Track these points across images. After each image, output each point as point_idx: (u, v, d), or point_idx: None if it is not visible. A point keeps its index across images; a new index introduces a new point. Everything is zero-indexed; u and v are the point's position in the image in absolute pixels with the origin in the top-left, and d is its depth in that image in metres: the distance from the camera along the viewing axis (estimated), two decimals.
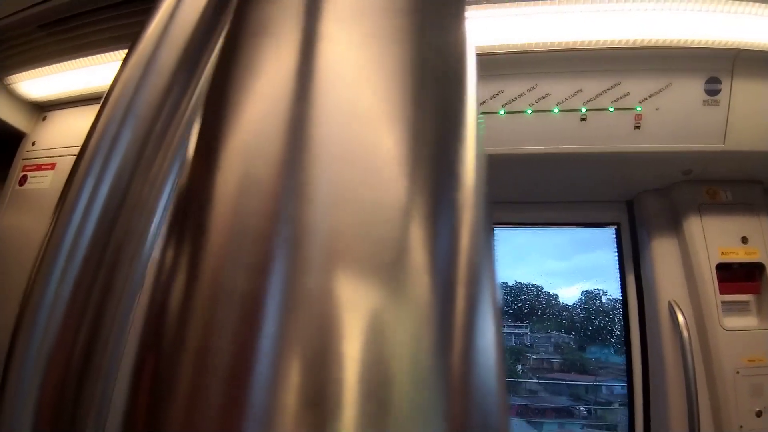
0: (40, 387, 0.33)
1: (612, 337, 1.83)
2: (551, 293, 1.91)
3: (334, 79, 0.16)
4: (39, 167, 1.78)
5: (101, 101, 0.36)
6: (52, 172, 1.74)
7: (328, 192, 0.15)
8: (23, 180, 1.78)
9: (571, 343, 1.88)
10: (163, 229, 0.22)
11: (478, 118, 0.19)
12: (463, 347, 0.15)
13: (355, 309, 0.14)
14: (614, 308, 1.87)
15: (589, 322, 1.87)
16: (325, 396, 0.13)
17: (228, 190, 0.16)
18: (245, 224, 0.15)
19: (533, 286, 1.93)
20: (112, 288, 0.32)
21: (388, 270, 0.14)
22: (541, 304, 1.91)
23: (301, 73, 0.16)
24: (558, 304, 1.92)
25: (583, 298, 1.89)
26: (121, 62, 0.37)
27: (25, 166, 1.81)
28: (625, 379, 1.73)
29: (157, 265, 0.16)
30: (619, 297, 1.84)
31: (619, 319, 1.81)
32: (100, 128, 0.34)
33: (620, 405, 1.80)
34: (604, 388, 1.83)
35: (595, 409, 1.80)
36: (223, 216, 0.15)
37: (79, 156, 0.34)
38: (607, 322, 1.85)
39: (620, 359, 1.81)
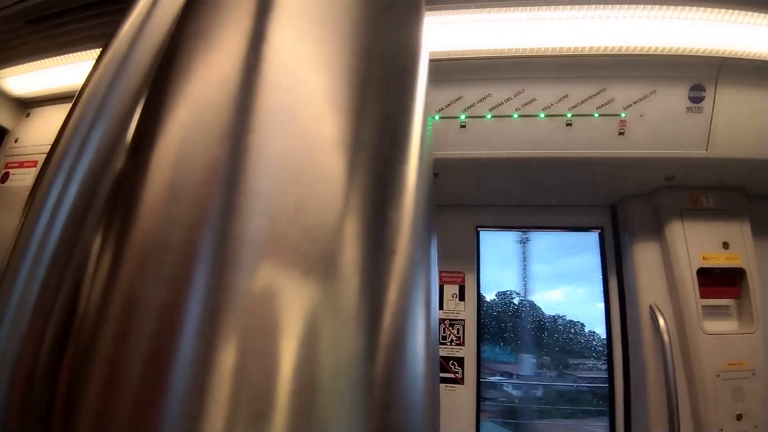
0: (7, 387, 0.32)
1: (512, 337, 1.89)
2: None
3: (277, 78, 0.16)
4: (21, 164, 1.75)
5: (74, 99, 0.36)
6: (34, 169, 1.72)
7: (263, 187, 0.14)
8: (5, 177, 1.76)
9: None
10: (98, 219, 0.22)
11: (426, 126, 0.19)
12: (388, 357, 0.15)
13: (287, 311, 0.13)
14: (521, 310, 1.93)
15: (496, 322, 1.92)
16: (253, 397, 0.12)
17: (160, 178, 0.15)
18: (174, 213, 0.14)
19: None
20: (80, 286, 0.32)
21: (320, 273, 0.14)
22: None
23: (245, 68, 0.16)
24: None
25: (496, 299, 1.94)
26: (95, 61, 0.37)
27: (7, 163, 1.78)
28: (506, 377, 1.84)
29: (87, 254, 0.16)
30: (532, 300, 1.93)
31: (525, 319, 1.89)
32: (71, 126, 0.34)
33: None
34: None
35: None
36: (152, 204, 0.15)
37: (50, 154, 0.34)
38: (514, 323, 1.90)
39: (510, 358, 1.89)
